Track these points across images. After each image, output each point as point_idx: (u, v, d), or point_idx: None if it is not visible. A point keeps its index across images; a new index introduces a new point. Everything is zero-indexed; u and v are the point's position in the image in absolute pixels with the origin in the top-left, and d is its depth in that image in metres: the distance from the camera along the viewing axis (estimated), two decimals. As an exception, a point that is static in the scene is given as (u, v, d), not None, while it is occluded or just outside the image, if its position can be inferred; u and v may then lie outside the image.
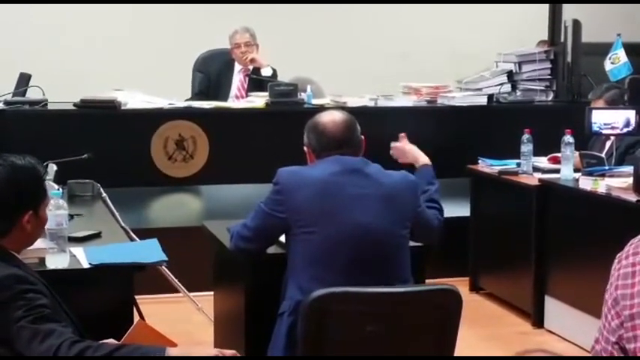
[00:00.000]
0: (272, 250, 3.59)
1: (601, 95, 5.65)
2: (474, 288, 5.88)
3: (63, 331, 2.59)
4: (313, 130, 3.52)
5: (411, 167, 3.82)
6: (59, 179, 4.48)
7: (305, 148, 3.56)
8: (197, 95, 7.14)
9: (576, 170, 5.18)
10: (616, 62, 6.78)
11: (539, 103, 7.23)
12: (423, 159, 3.89)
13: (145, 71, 7.49)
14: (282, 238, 3.51)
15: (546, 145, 5.65)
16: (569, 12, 7.89)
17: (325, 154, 3.47)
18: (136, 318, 3.54)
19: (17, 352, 2.59)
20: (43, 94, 6.33)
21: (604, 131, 5.17)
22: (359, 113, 3.62)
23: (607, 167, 5.02)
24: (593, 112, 5.16)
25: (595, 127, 5.13)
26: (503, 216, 5.68)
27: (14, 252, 2.81)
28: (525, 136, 5.48)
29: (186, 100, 6.96)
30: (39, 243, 3.36)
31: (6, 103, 6.27)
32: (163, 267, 4.30)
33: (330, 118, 3.52)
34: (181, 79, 7.28)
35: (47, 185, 4.14)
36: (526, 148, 5.49)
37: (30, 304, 2.61)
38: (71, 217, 3.74)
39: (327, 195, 3.35)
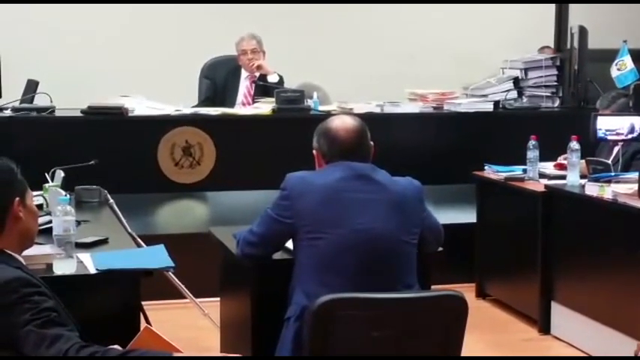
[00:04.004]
0: (278, 255, 3.58)
1: (608, 105, 5.63)
2: (480, 294, 5.88)
3: (70, 336, 2.59)
4: (324, 136, 3.51)
5: (414, 173, 3.79)
6: (66, 185, 4.50)
7: (314, 152, 3.56)
8: (204, 102, 7.16)
9: (582, 176, 5.18)
10: (622, 69, 6.79)
11: (546, 110, 7.24)
12: None
13: (151, 78, 7.50)
14: (290, 245, 3.52)
15: (552, 152, 5.65)
16: (575, 18, 7.89)
17: (335, 160, 3.48)
18: (143, 324, 3.55)
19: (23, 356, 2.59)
20: (51, 101, 6.35)
21: (609, 137, 5.17)
22: (365, 119, 3.61)
23: (613, 173, 5.03)
24: (599, 118, 5.16)
25: (600, 134, 5.14)
26: (509, 222, 5.67)
27: (14, 253, 2.80)
28: (531, 143, 5.48)
29: (193, 106, 6.98)
30: (46, 249, 3.39)
31: (14, 109, 6.30)
32: (170, 273, 4.31)
33: (343, 125, 3.51)
34: (188, 85, 7.30)
35: (55, 191, 4.19)
36: (532, 154, 5.49)
37: (36, 307, 2.60)
38: (78, 223, 3.75)
39: (334, 200, 3.36)
